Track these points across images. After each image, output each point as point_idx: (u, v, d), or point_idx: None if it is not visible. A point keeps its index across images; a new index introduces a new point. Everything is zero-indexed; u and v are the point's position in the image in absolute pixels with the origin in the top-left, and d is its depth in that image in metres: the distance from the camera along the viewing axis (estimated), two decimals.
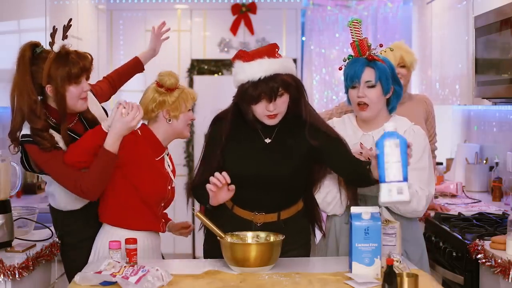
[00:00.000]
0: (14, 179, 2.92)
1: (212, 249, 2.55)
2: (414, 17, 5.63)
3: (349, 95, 2.64)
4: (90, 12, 4.86)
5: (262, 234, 2.47)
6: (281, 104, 2.44)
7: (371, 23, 6.17)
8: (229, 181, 2.37)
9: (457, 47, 4.23)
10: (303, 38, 6.33)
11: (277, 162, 2.52)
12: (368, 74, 2.55)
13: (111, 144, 2.49)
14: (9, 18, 3.62)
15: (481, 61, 3.52)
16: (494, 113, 4.37)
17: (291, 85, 2.42)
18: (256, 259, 2.31)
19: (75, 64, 2.51)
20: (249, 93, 2.40)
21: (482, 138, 4.58)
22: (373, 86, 2.55)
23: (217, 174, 2.37)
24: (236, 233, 2.46)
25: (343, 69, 2.64)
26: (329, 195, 2.64)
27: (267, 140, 2.54)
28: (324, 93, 6.27)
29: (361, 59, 2.57)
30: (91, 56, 2.61)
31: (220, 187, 2.37)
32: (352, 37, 2.58)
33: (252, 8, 6.16)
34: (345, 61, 2.65)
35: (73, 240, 2.74)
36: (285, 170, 2.52)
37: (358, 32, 2.57)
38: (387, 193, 2.13)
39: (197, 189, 2.56)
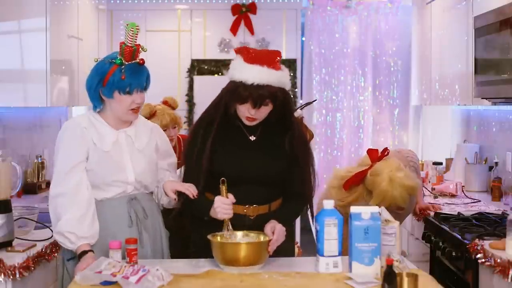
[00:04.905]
0: (15, 179, 2.92)
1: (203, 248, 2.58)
2: (414, 17, 5.63)
3: None
4: (90, 12, 4.85)
5: (252, 234, 2.48)
6: (263, 112, 2.52)
7: (371, 23, 6.17)
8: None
9: (457, 47, 4.23)
10: (303, 38, 6.32)
11: (264, 161, 2.57)
12: None
13: None
14: (9, 18, 3.63)
15: (481, 61, 3.52)
16: (493, 113, 4.37)
17: (278, 99, 2.50)
18: (245, 258, 2.31)
19: None
20: (238, 92, 2.47)
21: (481, 138, 4.58)
22: None
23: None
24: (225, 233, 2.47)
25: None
26: None
27: (252, 138, 2.59)
28: (324, 93, 6.26)
29: None
30: None
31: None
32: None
33: (252, 8, 6.16)
34: None
35: None
36: (273, 168, 2.57)
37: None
38: (325, 266, 2.34)
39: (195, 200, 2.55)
